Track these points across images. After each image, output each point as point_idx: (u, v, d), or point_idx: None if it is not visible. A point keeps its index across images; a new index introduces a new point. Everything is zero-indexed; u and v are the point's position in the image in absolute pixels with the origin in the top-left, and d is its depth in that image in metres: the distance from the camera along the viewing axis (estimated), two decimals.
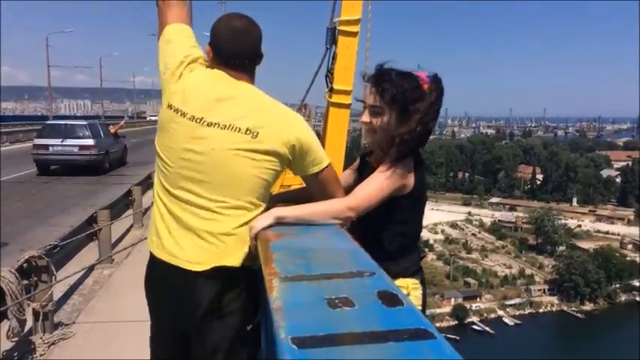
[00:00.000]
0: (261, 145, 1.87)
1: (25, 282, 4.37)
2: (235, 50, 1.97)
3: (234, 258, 1.89)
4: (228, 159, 1.88)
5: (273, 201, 2.20)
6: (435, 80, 1.96)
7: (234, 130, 1.87)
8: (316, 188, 2.06)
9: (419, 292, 2.04)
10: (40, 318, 4.59)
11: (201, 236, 1.91)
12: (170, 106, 1.96)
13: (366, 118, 2.01)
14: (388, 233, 2.02)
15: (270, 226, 1.81)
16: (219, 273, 1.88)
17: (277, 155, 1.90)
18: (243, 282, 1.94)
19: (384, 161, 1.95)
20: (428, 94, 1.93)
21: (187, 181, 1.93)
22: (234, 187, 1.89)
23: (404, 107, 1.93)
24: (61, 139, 15.82)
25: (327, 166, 2.01)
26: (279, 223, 1.83)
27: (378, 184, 1.90)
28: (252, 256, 1.91)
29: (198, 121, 1.90)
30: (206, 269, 1.89)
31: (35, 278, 4.56)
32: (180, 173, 1.94)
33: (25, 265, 4.47)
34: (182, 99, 1.95)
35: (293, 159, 1.95)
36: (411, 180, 1.96)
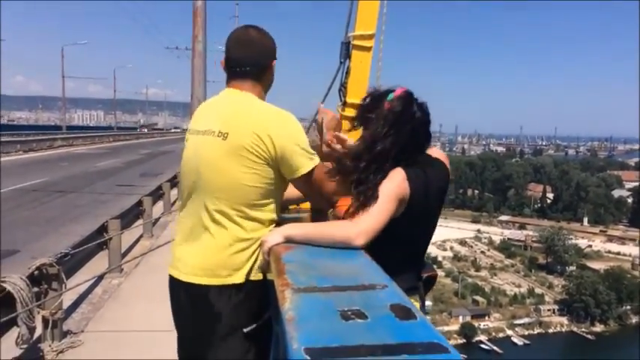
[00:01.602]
0: (231, 145, 1.87)
1: (36, 289, 4.38)
2: (235, 57, 2.04)
3: (229, 270, 1.90)
4: (209, 163, 1.92)
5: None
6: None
7: (210, 134, 1.93)
8: (306, 190, 2.06)
9: None
10: (50, 326, 4.60)
11: (202, 249, 1.94)
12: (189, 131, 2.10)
13: None
14: (382, 252, 1.82)
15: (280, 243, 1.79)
16: (221, 286, 1.90)
17: (248, 152, 1.86)
18: (246, 293, 1.92)
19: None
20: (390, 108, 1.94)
21: (189, 191, 2.01)
22: (221, 192, 1.90)
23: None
24: None
25: (315, 168, 1.95)
26: (289, 241, 1.79)
27: (384, 207, 1.81)
28: (251, 269, 1.91)
29: (195, 133, 2.02)
30: (205, 282, 1.91)
31: (45, 286, 4.57)
32: (185, 185, 2.04)
33: (36, 272, 4.49)
34: (192, 121, 2.11)
35: (274, 156, 1.88)
36: (406, 197, 1.88)
